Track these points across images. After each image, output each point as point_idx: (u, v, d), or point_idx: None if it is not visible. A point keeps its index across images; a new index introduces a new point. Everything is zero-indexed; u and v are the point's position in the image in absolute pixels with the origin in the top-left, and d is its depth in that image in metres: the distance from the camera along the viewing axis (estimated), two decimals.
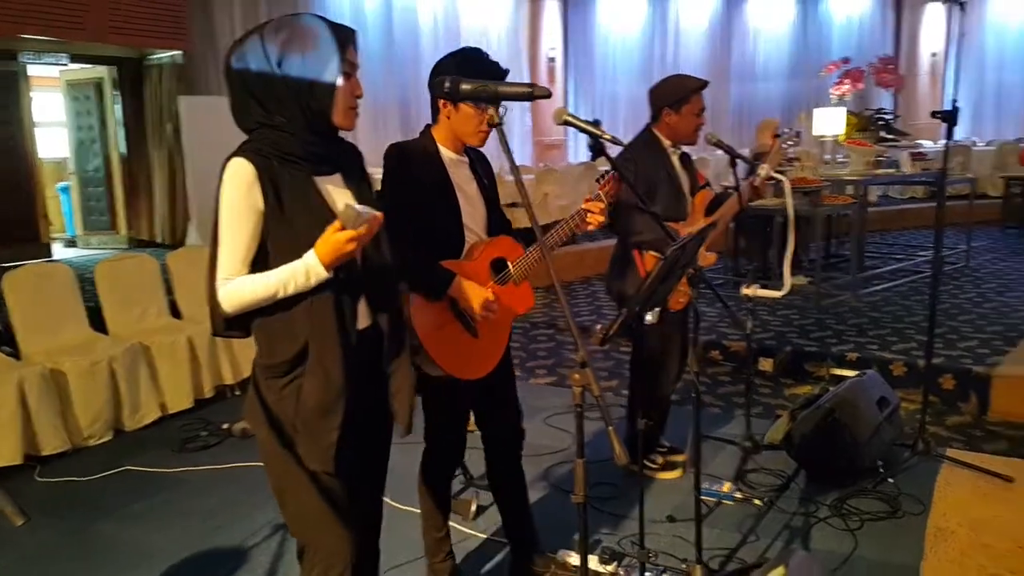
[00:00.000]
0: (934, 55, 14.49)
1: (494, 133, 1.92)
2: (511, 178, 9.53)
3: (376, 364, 2.00)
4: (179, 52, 8.86)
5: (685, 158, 3.61)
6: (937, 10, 14.44)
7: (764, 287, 3.67)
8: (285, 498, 1.96)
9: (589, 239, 8.21)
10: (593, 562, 2.84)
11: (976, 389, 4.57)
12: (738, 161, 3.23)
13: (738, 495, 3.52)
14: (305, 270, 1.77)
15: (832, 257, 8.24)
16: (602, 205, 2.53)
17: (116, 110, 9.51)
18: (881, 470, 3.55)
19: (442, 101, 2.45)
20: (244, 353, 5.13)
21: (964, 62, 14.36)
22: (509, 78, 2.33)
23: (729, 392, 5.05)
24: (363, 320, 1.95)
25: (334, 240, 1.73)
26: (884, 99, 11.96)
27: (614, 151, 2.61)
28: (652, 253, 3.34)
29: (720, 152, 3.28)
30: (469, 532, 3.33)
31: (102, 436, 4.47)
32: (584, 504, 1.71)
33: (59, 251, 9.39)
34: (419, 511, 2.88)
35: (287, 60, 1.79)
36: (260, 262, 1.84)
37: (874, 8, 14.85)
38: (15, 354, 4.45)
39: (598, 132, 2.31)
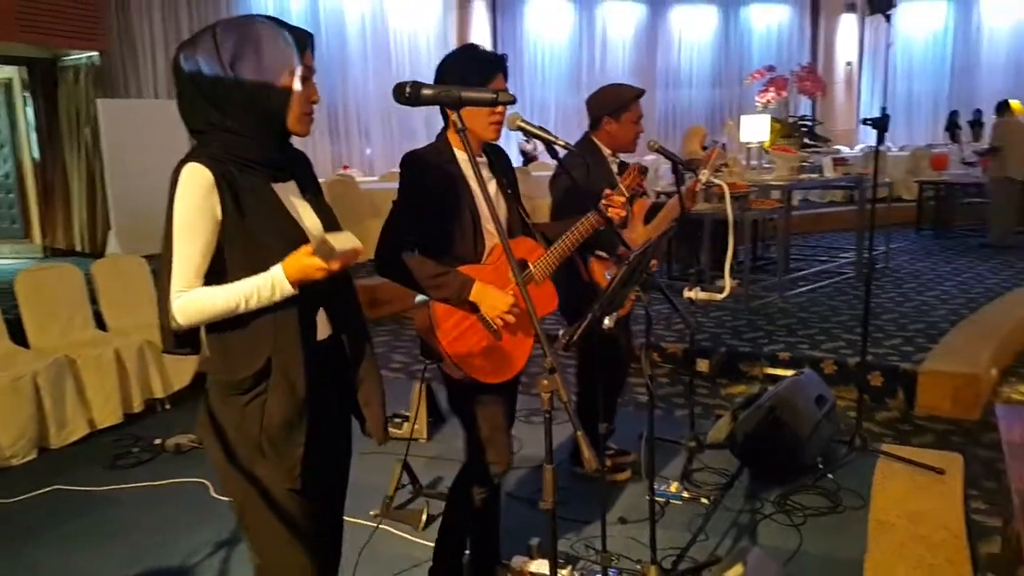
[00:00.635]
0: (848, 64, 15.05)
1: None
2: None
3: (336, 374, 1.95)
4: (96, 53, 8.55)
5: (623, 166, 3.66)
6: (851, 21, 15.00)
7: (704, 290, 3.74)
8: (246, 519, 1.89)
9: None
10: (546, 566, 2.84)
11: (903, 385, 4.75)
12: (681, 167, 3.29)
13: (685, 495, 3.58)
14: (271, 285, 1.71)
15: (758, 260, 8.46)
16: (622, 199, 2.53)
17: (27, 113, 9.13)
18: (821, 466, 3.66)
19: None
20: (175, 366, 4.97)
21: (876, 71, 14.97)
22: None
23: (668, 393, 5.12)
24: (323, 330, 1.90)
25: (305, 264, 1.68)
26: (804, 106, 12.34)
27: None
28: (598, 255, 3.37)
29: (656, 159, 3.33)
30: (419, 542, 3.28)
31: (26, 455, 4.28)
32: (553, 511, 1.71)
33: None
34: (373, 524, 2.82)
35: (241, 62, 1.72)
36: (214, 273, 1.76)
37: (792, 18, 15.34)
38: None
39: (551, 137, 2.33)
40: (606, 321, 2.20)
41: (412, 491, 3.66)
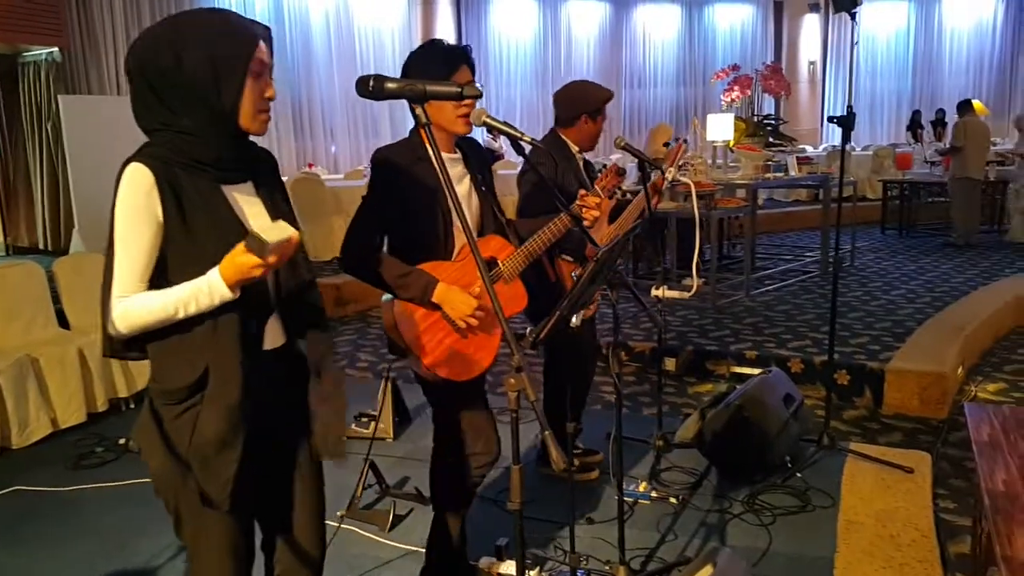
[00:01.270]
0: (812, 63, 15.23)
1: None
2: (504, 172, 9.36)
3: (290, 385, 1.87)
4: (56, 49, 8.40)
5: (587, 164, 3.66)
6: (814, 21, 15.19)
7: (671, 288, 3.74)
8: (182, 527, 1.82)
9: None
10: (514, 567, 2.81)
11: (870, 384, 4.78)
12: (647, 165, 3.28)
13: (654, 494, 3.57)
14: (208, 289, 1.62)
15: (724, 259, 8.51)
16: (599, 200, 2.51)
17: None
18: (790, 465, 3.67)
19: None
20: (139, 365, 4.87)
21: (839, 71, 15.15)
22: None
23: (635, 392, 5.12)
24: (275, 339, 1.82)
25: (238, 263, 1.58)
26: (768, 105, 12.46)
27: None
28: (565, 258, 3.35)
29: (623, 157, 3.34)
30: (385, 543, 3.24)
31: None
32: (520, 511, 1.68)
33: None
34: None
35: (191, 57, 1.64)
36: (159, 277, 1.68)
37: (756, 18, 15.49)
38: None
39: (517, 134, 2.30)
40: (573, 319, 2.18)
41: (379, 491, 3.62)
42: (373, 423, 4.29)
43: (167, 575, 3.08)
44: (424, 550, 2.83)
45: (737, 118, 7.61)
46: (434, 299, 2.29)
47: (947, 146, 9.84)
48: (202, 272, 1.63)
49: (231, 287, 1.61)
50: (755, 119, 7.85)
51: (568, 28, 14.20)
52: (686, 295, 3.64)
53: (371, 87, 1.71)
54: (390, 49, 12.13)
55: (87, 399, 4.71)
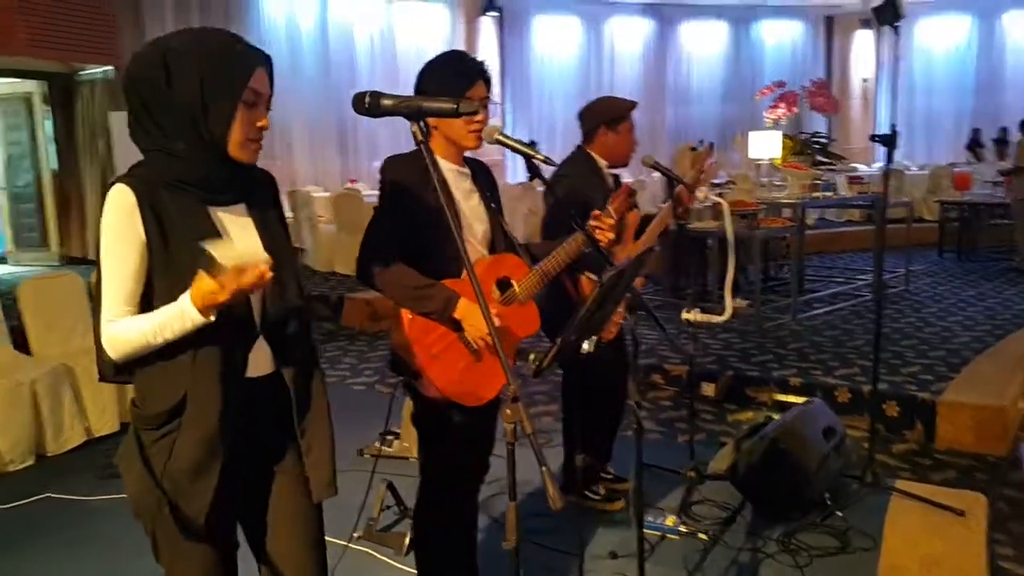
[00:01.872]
0: (865, 80, 14.84)
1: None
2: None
3: (278, 414, 1.78)
4: (111, 68, 8.61)
5: (616, 180, 3.51)
6: (867, 36, 14.80)
7: (704, 311, 3.56)
8: (159, 552, 1.76)
9: None
10: None
11: (921, 416, 4.51)
12: (676, 183, 3.14)
13: (683, 529, 3.37)
14: (181, 313, 1.55)
15: (771, 280, 8.25)
16: (611, 221, 2.41)
17: (46, 125, 9.30)
18: (829, 503, 3.44)
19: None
20: None
21: (893, 88, 14.71)
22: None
23: (671, 418, 4.92)
24: (261, 367, 1.73)
25: (199, 287, 1.51)
26: (818, 123, 12.15)
27: (547, 171, 2.49)
28: (588, 276, 3.21)
29: (656, 175, 3.19)
30: (399, 567, 3.12)
31: (24, 461, 4.28)
32: (517, 549, 1.57)
33: None
34: None
35: (182, 78, 1.58)
36: (147, 301, 1.63)
37: (805, 33, 15.17)
38: None
39: (530, 152, 2.20)
40: (584, 345, 2.03)
41: (398, 512, 3.49)
42: (397, 441, 4.19)
43: None
44: None
45: (784, 136, 7.37)
46: (457, 314, 2.17)
47: (1011, 166, 9.40)
48: (181, 295, 1.57)
49: (201, 311, 1.53)
50: (802, 137, 7.59)
51: (611, 45, 14.08)
52: (718, 319, 3.45)
53: (367, 103, 1.67)
54: None
55: (120, 409, 4.75)
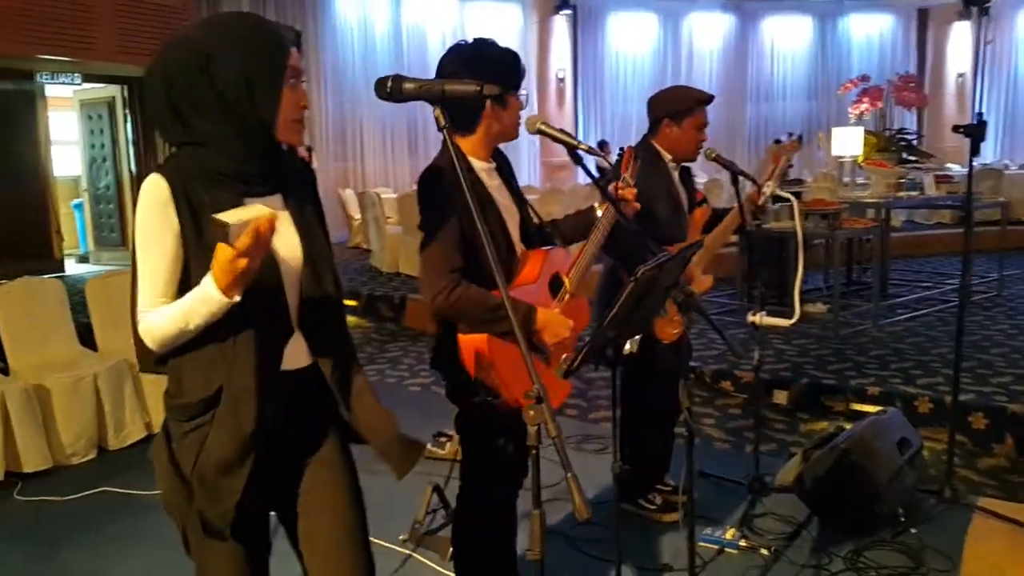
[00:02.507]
0: (961, 75, 14.11)
1: None
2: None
3: (314, 409, 1.73)
4: None
5: (685, 173, 3.35)
6: (964, 28, 14.07)
7: (773, 314, 3.37)
8: (190, 548, 1.74)
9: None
10: None
11: (1012, 429, 4.19)
12: (740, 177, 2.97)
13: (743, 543, 3.19)
14: (205, 295, 1.49)
15: (853, 284, 7.89)
16: (631, 188, 2.35)
17: (127, 128, 9.57)
18: (902, 519, 3.21)
19: (490, 103, 2.17)
20: None
21: (993, 82, 13.93)
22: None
23: (740, 427, 4.71)
24: (298, 360, 1.68)
25: (218, 259, 1.46)
26: (907, 119, 11.60)
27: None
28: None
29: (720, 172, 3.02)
30: (444, 572, 3.04)
31: (86, 454, 4.37)
32: (541, 560, 1.47)
33: (71, 267, 9.51)
34: None
35: (223, 64, 1.54)
36: (185, 291, 1.59)
37: (896, 26, 14.53)
38: (5, 370, 4.41)
39: (573, 142, 2.09)
40: (627, 346, 1.90)
41: (445, 516, 3.41)
42: (451, 443, 4.13)
43: None
44: None
45: (867, 132, 7.02)
46: (538, 326, 2.09)
47: None
48: None
49: (224, 290, 1.47)
50: (887, 133, 7.22)
51: (689, 41, 13.77)
52: (786, 322, 3.26)
53: (389, 88, 1.61)
54: None
55: None
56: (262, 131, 1.59)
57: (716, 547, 3.17)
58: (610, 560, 3.00)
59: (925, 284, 8.13)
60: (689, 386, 2.38)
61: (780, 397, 4.97)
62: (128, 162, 9.77)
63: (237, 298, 1.49)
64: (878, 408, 4.35)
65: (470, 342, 2.12)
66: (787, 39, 14.34)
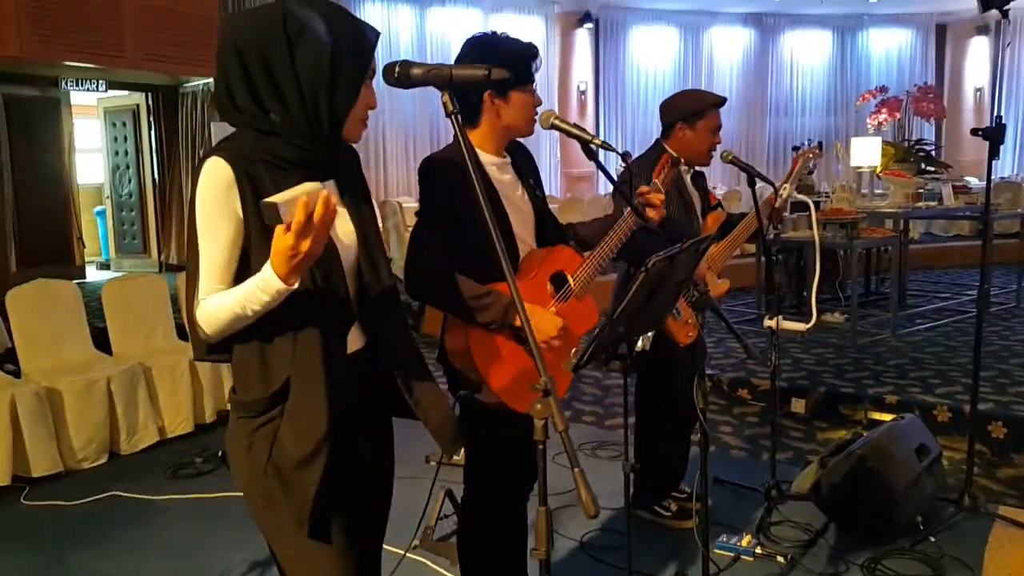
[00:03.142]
0: (978, 90, 14.03)
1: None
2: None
3: (371, 391, 1.72)
4: (211, 80, 8.89)
5: (698, 177, 3.35)
6: (982, 44, 14.00)
7: (788, 319, 3.36)
8: (273, 548, 1.68)
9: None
10: None
11: None
12: (757, 180, 2.97)
13: (759, 550, 3.18)
14: (264, 283, 1.45)
15: (872, 294, 7.85)
16: (660, 195, 2.26)
17: (151, 136, 9.66)
18: (922, 527, 3.18)
19: (490, 98, 2.16)
20: None
21: (1011, 96, 13.83)
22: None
23: (756, 434, 4.69)
24: (354, 343, 1.66)
25: (279, 248, 1.41)
26: (925, 131, 11.54)
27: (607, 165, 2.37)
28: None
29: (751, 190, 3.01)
30: None
31: (96, 459, 4.35)
32: (547, 560, 1.46)
33: (92, 273, 9.55)
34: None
35: (310, 49, 1.49)
36: (243, 278, 1.54)
37: (915, 42, 14.47)
38: (17, 372, 4.38)
39: (586, 136, 2.08)
40: (639, 343, 1.90)
41: (456, 522, 3.41)
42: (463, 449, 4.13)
43: None
44: None
45: (885, 143, 7.00)
46: (518, 323, 2.05)
47: None
48: None
49: (283, 277, 1.43)
50: (906, 144, 7.19)
51: (710, 55, 13.77)
52: (802, 327, 3.25)
53: (397, 73, 1.57)
54: None
55: (195, 410, 4.81)
56: (332, 124, 1.55)
57: (732, 554, 3.16)
58: (623, 568, 3.00)
59: (943, 295, 8.08)
60: (703, 387, 2.39)
61: (798, 406, 4.95)
62: (151, 170, 9.86)
63: (296, 285, 1.45)
64: (895, 416, 4.32)
65: (453, 334, 2.13)
66: (807, 53, 14.31)
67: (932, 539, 3.15)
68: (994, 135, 3.03)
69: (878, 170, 6.88)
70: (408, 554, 3.14)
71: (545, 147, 12.28)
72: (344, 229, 1.63)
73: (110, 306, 4.87)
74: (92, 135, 10.64)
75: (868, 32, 14.43)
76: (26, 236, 8.14)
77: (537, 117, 2.20)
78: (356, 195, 1.69)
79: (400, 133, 11.53)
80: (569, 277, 2.25)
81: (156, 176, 9.81)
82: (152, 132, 9.70)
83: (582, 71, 12.82)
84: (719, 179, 12.25)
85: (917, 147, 7.23)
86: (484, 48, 2.17)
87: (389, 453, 1.86)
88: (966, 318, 6.89)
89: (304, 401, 1.54)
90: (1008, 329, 6.46)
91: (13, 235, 7.94)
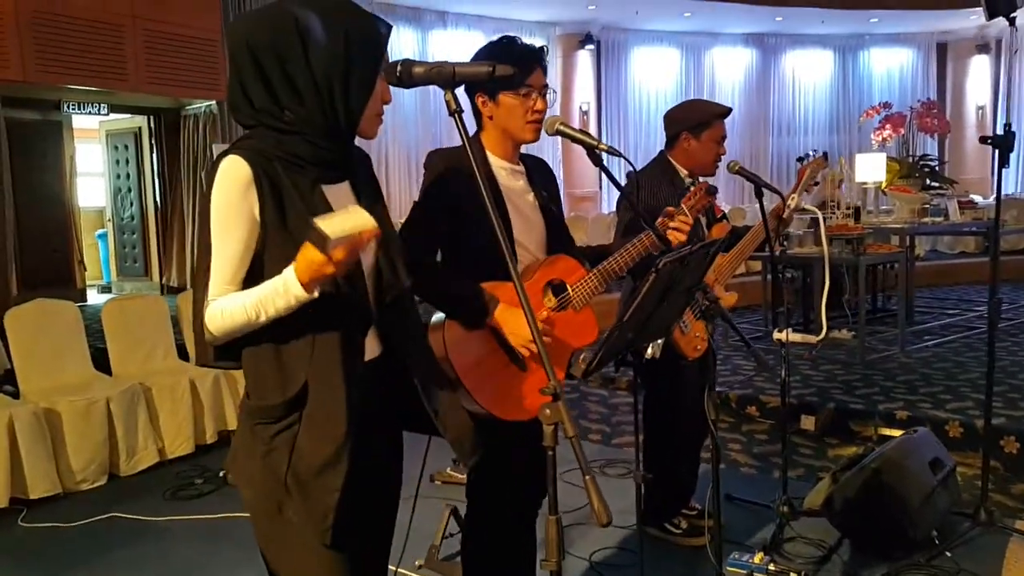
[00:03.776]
0: (980, 108, 14.04)
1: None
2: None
3: (386, 401, 1.68)
4: (214, 102, 8.94)
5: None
6: (983, 62, 14.02)
7: (797, 331, 3.31)
8: (280, 572, 1.63)
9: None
10: None
11: None
12: (764, 190, 2.94)
13: (771, 567, 3.10)
14: (284, 288, 1.43)
15: (879, 312, 7.79)
16: (687, 220, 2.21)
17: (152, 159, 9.67)
18: (937, 542, 3.11)
19: (481, 101, 2.16)
20: None
21: (1012, 115, 13.82)
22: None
23: (766, 452, 4.62)
24: (371, 351, 1.63)
25: (309, 258, 1.38)
26: (928, 147, 11.53)
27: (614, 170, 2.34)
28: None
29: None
30: None
31: (96, 480, 4.29)
32: (558, 571, 1.41)
33: (93, 296, 9.51)
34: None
35: (323, 45, 1.48)
36: (252, 282, 1.52)
37: (916, 60, 14.52)
38: (15, 393, 4.33)
39: (592, 142, 2.05)
40: (649, 349, 1.86)
41: (461, 547, 3.34)
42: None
43: None
44: None
45: (890, 158, 6.97)
46: (493, 322, 2.02)
47: None
48: None
49: (305, 286, 1.41)
50: (911, 159, 7.17)
51: (712, 75, 13.82)
52: (812, 339, 3.20)
53: (399, 72, 1.56)
54: None
55: (196, 431, 4.75)
56: (348, 119, 1.54)
57: (744, 571, 3.08)
58: None
59: (951, 312, 8.02)
60: (714, 398, 2.34)
61: (807, 423, 4.89)
62: (153, 193, 9.87)
63: (316, 294, 1.43)
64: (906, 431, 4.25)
65: (432, 340, 2.06)
66: (808, 73, 14.36)
67: (948, 554, 3.08)
68: (1003, 143, 2.98)
69: (883, 186, 6.85)
70: (413, 574, 3.09)
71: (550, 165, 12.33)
72: (362, 220, 1.56)
73: (110, 326, 4.84)
74: (94, 159, 10.66)
75: (869, 51, 14.49)
76: (27, 259, 8.12)
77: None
78: (371, 196, 1.66)
79: (403, 154, 11.55)
80: (568, 286, 2.20)
81: (158, 199, 9.81)
82: (154, 155, 9.71)
83: (584, 91, 12.86)
84: (724, 195, 12.23)
85: (922, 163, 7.20)
86: (488, 48, 2.19)
87: (398, 468, 1.82)
88: (974, 334, 6.84)
89: (323, 404, 1.51)
90: (1017, 344, 6.40)
91: (14, 258, 7.91)
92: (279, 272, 1.46)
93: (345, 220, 1.39)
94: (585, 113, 12.87)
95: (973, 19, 12.91)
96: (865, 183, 6.97)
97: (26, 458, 3.96)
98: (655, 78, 13.49)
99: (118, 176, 10.05)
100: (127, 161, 9.90)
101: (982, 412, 4.43)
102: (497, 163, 2.19)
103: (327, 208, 1.51)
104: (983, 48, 13.89)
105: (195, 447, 4.72)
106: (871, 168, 6.83)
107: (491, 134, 2.20)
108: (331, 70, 1.49)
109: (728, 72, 13.88)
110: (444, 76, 1.51)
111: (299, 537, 1.54)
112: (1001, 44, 13.72)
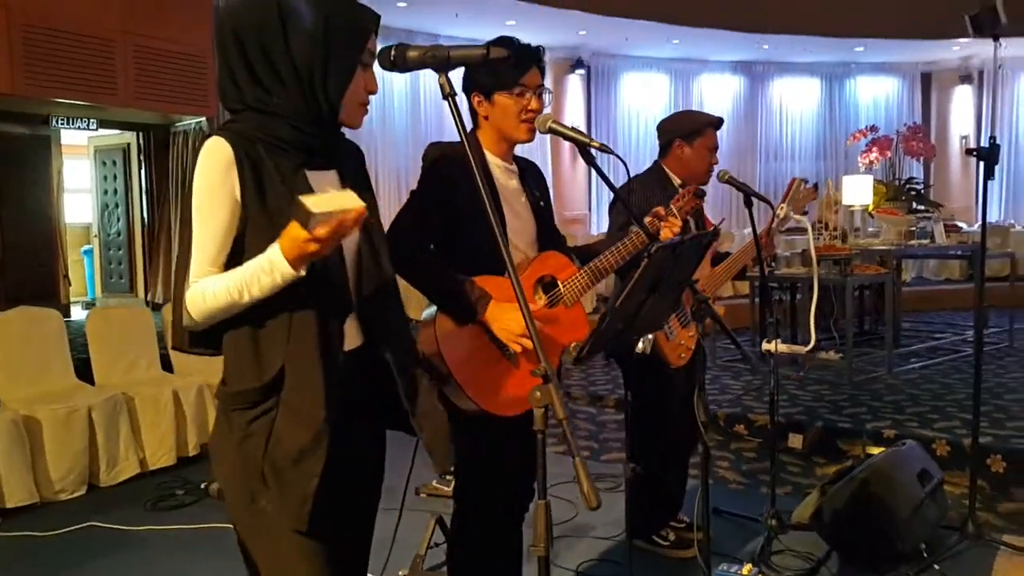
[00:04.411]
0: (964, 137, 14.21)
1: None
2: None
3: (367, 393, 1.66)
4: (203, 119, 8.94)
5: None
6: (966, 92, 14.21)
7: (786, 343, 3.31)
8: (248, 559, 1.61)
9: None
10: None
11: None
12: (754, 200, 2.95)
13: None
14: (270, 266, 1.42)
15: (865, 334, 7.82)
16: (676, 222, 2.23)
17: (141, 175, 9.64)
18: (925, 554, 3.10)
19: (477, 101, 2.19)
20: None
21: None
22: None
23: (754, 469, 4.61)
24: (351, 340, 1.61)
25: (293, 236, 1.39)
26: (915, 170, 11.65)
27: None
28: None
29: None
30: None
31: (75, 490, 4.22)
32: (546, 558, 1.38)
33: (77, 312, 9.42)
34: None
35: (302, 32, 1.49)
36: (233, 263, 1.51)
37: (900, 89, 14.70)
38: None
39: (585, 139, 2.07)
40: (639, 345, 1.85)
41: (447, 551, 3.30)
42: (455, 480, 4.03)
43: None
44: None
45: (877, 181, 7.04)
46: (485, 317, 2.01)
47: None
48: None
49: (292, 263, 1.40)
50: (897, 182, 7.24)
51: (700, 102, 13.93)
52: (802, 349, 3.21)
53: (392, 57, 1.55)
54: None
55: (178, 442, 4.70)
56: (328, 106, 1.54)
57: None
58: None
59: (937, 336, 8.06)
60: (704, 399, 2.32)
61: (795, 441, 4.88)
62: (140, 209, 9.83)
63: (303, 272, 1.42)
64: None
65: (423, 336, 2.06)
66: (796, 100, 14.51)
67: (936, 567, 3.06)
68: (988, 155, 3.01)
69: (871, 208, 6.91)
70: None
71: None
72: (347, 198, 1.56)
73: (94, 336, 4.80)
74: (81, 175, 10.63)
75: (856, 80, 14.66)
76: (12, 274, 8.07)
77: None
78: (359, 184, 1.65)
79: (392, 176, 11.55)
80: (560, 282, 2.21)
81: (145, 216, 9.76)
82: (143, 171, 9.67)
83: (575, 115, 12.94)
84: (713, 206, 12.26)
85: (908, 186, 7.27)
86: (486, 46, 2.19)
87: (380, 460, 1.79)
88: (960, 357, 6.89)
89: (299, 389, 1.49)
90: (1002, 367, 6.44)
91: None
92: (257, 250, 1.46)
93: (332, 200, 1.39)
94: None
95: (956, 50, 13.11)
96: (852, 205, 7.02)
97: (2, 466, 3.90)
98: (645, 103, 13.59)
99: (105, 192, 10.02)
100: (115, 177, 9.86)
101: (969, 431, 4.45)
102: (493, 160, 2.21)
103: (309, 191, 1.51)
104: (966, 79, 14.08)
105: (177, 459, 4.66)
106: (858, 190, 6.88)
107: (487, 133, 2.22)
108: (310, 55, 1.50)
109: (716, 99, 14.00)
110: (439, 59, 1.51)
111: (276, 527, 1.52)
112: (983, 75, 13.91)
